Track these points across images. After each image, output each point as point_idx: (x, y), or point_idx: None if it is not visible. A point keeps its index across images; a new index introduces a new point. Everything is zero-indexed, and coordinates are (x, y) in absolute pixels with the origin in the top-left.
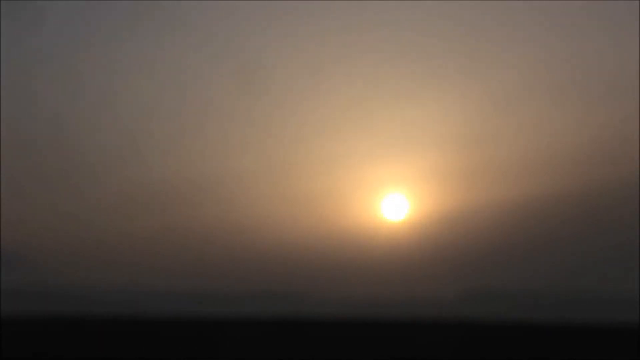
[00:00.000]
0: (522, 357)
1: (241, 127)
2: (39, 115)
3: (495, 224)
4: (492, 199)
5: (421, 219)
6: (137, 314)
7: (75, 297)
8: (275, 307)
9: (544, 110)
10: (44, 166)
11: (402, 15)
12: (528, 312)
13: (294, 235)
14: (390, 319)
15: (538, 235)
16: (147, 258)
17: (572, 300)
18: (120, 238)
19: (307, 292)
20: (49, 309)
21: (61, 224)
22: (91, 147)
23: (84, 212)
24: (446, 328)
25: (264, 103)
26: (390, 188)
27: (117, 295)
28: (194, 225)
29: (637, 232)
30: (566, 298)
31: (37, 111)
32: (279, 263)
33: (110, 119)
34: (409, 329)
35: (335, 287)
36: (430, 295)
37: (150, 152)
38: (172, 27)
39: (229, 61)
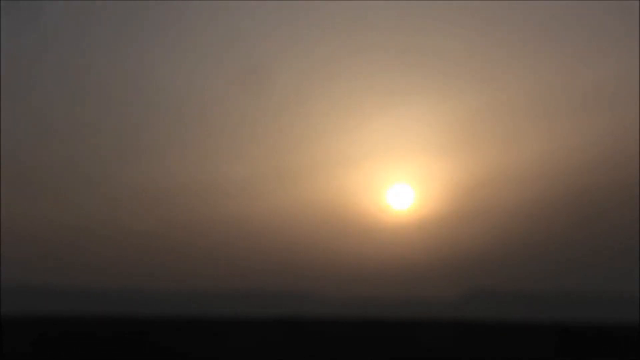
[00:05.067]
0: (522, 357)
1: (245, 128)
2: (38, 116)
3: (498, 224)
4: (495, 201)
5: (426, 214)
6: (137, 314)
7: (75, 297)
8: (276, 307)
9: (553, 117)
10: (43, 167)
11: (411, 18)
12: (528, 312)
13: (298, 233)
14: (391, 319)
15: (539, 236)
16: (149, 259)
17: (572, 300)
18: (121, 238)
19: (309, 291)
20: (49, 309)
21: (61, 225)
22: (91, 148)
23: (84, 212)
24: (446, 328)
25: (268, 104)
26: (395, 180)
27: (117, 295)
28: (197, 226)
29: (637, 232)
30: (566, 298)
31: (35, 112)
32: (282, 262)
33: (110, 121)
34: (409, 329)
35: (337, 286)
36: (431, 294)
37: (150, 154)
38: (172, 29)
39: (231, 63)
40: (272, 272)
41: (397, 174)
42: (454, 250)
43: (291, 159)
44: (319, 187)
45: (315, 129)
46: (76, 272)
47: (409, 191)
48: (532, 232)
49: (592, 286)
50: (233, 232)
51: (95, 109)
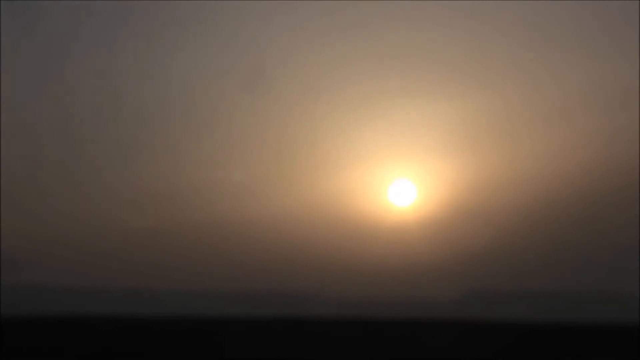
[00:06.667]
0: (522, 357)
1: (246, 129)
2: (37, 116)
3: (500, 223)
4: (497, 200)
5: (428, 212)
6: (137, 314)
7: (75, 297)
8: (277, 307)
9: (556, 119)
10: (43, 167)
11: (416, 21)
12: (528, 312)
13: (299, 233)
14: (391, 318)
15: (541, 236)
16: (149, 259)
17: (572, 300)
18: (122, 239)
19: (310, 291)
20: (49, 309)
21: (61, 225)
22: (90, 149)
23: (84, 213)
24: (448, 328)
25: (270, 105)
26: (397, 178)
27: (117, 295)
28: (199, 226)
29: (637, 232)
30: (566, 298)
31: (34, 112)
32: (283, 262)
33: (108, 122)
34: (409, 328)
35: (338, 286)
36: (433, 293)
37: (151, 155)
38: (173, 30)
39: (232, 64)
40: (272, 272)
41: (399, 172)
42: (456, 250)
43: (292, 160)
44: (320, 187)
45: (317, 130)
46: (76, 272)
47: (412, 189)
48: (533, 232)
49: (592, 286)
50: (234, 233)
51: (93, 109)
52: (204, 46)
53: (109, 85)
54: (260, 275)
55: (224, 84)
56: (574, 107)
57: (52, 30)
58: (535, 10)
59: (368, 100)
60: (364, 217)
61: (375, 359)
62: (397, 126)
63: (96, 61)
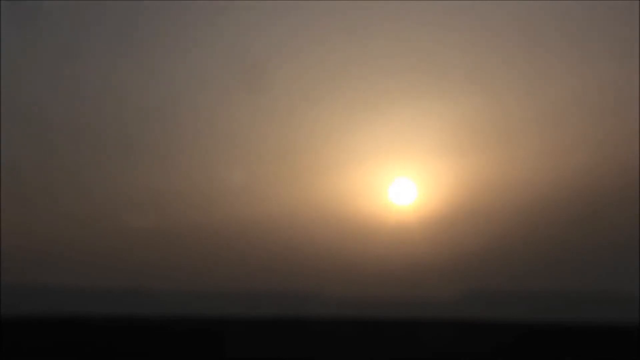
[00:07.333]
0: (522, 357)
1: (247, 130)
2: (38, 116)
3: (500, 223)
4: (498, 200)
5: (429, 211)
6: (137, 314)
7: (75, 297)
8: (277, 307)
9: (558, 120)
10: (43, 167)
11: (413, 17)
12: (528, 312)
13: (300, 233)
14: (391, 318)
15: (541, 236)
16: (150, 259)
17: (572, 300)
18: (121, 239)
19: (310, 291)
20: (49, 309)
21: (62, 224)
22: (91, 148)
23: (84, 213)
24: (448, 328)
25: (271, 106)
26: (398, 177)
27: (117, 295)
28: (200, 227)
29: (637, 232)
30: (566, 298)
31: (36, 112)
32: (284, 262)
33: (109, 122)
34: (410, 328)
35: (338, 286)
36: (433, 293)
37: (151, 155)
38: (173, 29)
39: (233, 65)
40: (273, 272)
41: (399, 172)
42: (456, 249)
43: (292, 160)
44: (320, 187)
45: (318, 130)
46: (76, 272)
47: (412, 188)
48: (534, 232)
49: (592, 286)
50: (234, 233)
51: (94, 109)
52: (205, 47)
53: (110, 85)
54: (260, 275)
55: (225, 84)
56: (572, 108)
57: (55, 31)
58: (532, 12)
59: (368, 100)
60: (364, 217)
61: (375, 359)
62: (397, 126)
63: (97, 61)
